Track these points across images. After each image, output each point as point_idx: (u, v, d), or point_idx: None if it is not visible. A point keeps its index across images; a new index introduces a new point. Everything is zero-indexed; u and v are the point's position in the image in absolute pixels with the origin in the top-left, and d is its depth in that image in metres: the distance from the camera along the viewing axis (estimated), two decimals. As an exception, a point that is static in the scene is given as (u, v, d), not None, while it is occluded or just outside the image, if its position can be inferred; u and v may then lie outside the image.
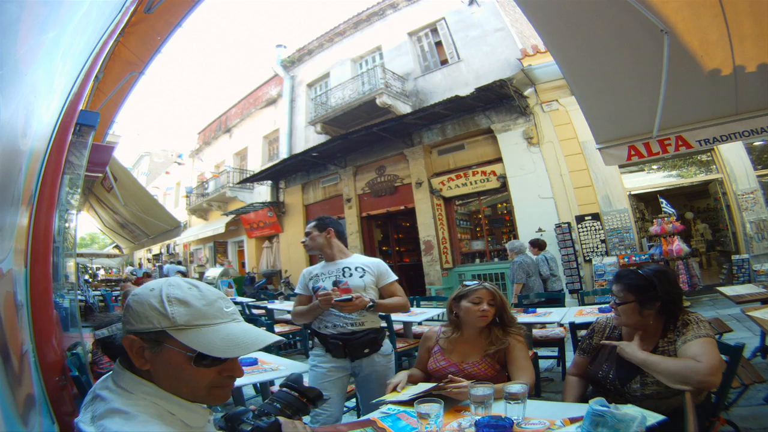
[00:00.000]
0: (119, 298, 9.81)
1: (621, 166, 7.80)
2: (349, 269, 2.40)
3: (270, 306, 6.67)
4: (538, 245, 6.17)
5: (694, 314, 1.75)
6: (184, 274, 12.99)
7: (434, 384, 1.76)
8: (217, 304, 0.92)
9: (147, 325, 0.85)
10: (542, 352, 4.15)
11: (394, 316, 4.31)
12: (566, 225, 8.16)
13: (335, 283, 2.31)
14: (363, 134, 10.11)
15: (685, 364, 1.55)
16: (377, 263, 2.50)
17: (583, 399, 1.93)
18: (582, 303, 4.55)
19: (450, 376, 1.77)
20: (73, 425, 0.83)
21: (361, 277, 2.37)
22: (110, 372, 0.92)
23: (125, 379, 0.86)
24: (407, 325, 4.52)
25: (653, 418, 1.32)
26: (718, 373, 1.52)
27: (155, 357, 0.86)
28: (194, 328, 0.86)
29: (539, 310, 3.94)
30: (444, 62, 10.97)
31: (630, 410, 1.26)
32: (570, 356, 3.70)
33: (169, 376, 0.87)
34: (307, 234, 2.53)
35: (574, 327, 2.77)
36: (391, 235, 12.65)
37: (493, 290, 2.03)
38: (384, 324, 2.80)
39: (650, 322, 1.76)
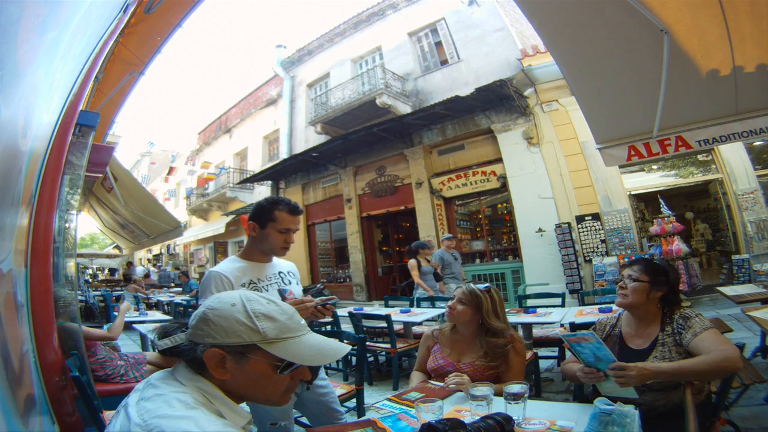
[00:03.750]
0: (121, 298, 9.80)
1: (621, 166, 7.79)
2: (284, 274, 2.02)
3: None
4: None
5: (689, 308, 1.80)
6: (186, 275, 12.96)
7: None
8: (295, 318, 0.97)
9: (236, 339, 0.89)
10: (542, 352, 4.15)
11: (394, 316, 4.31)
12: (566, 225, 8.16)
13: (280, 293, 1.92)
14: (363, 134, 10.11)
15: (722, 356, 1.53)
16: (295, 267, 2.17)
17: (582, 399, 1.97)
18: (582, 303, 4.54)
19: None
20: (123, 406, 0.87)
21: (297, 284, 2.05)
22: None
23: (182, 374, 0.90)
24: (407, 325, 4.52)
25: None
26: (738, 354, 1.56)
27: (238, 368, 0.89)
28: (283, 340, 0.92)
29: (539, 310, 3.93)
30: (444, 62, 10.97)
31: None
32: (570, 356, 3.70)
33: (250, 383, 0.91)
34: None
35: (574, 327, 2.77)
36: (392, 235, 12.65)
37: (469, 292, 2.04)
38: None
39: (651, 308, 1.83)
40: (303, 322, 0.99)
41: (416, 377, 2.20)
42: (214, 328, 0.88)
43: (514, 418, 1.38)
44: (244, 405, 1.00)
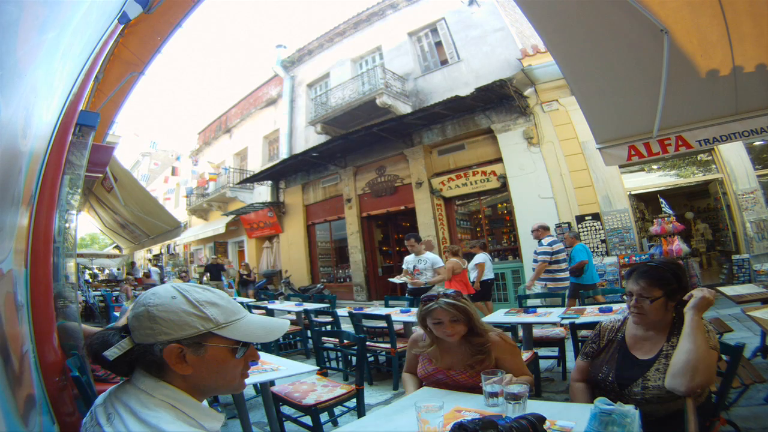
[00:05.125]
0: (119, 298, 9.82)
1: (621, 166, 7.79)
2: None
3: (270, 306, 6.68)
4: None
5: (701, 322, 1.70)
6: (186, 273, 13.00)
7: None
8: (232, 301, 0.98)
9: (190, 330, 0.87)
10: (542, 352, 4.15)
11: (394, 316, 4.31)
12: (566, 225, 8.16)
13: None
14: (363, 134, 10.10)
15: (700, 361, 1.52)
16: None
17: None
18: (582, 303, 4.54)
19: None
20: (91, 414, 0.85)
21: None
22: (123, 380, 0.92)
23: (146, 383, 0.86)
24: (407, 325, 4.52)
25: None
26: (706, 386, 1.53)
27: (198, 359, 0.88)
28: (232, 323, 0.92)
29: (539, 310, 3.93)
30: (444, 62, 10.97)
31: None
32: (570, 356, 3.70)
33: (213, 372, 0.91)
34: None
35: (574, 327, 2.77)
36: (392, 235, 12.63)
37: (450, 307, 1.89)
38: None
39: (667, 317, 1.74)
40: (238, 304, 1.00)
41: (410, 381, 2.12)
42: (163, 324, 0.86)
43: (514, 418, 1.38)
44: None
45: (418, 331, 2.14)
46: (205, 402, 0.95)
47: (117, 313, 7.09)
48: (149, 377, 0.87)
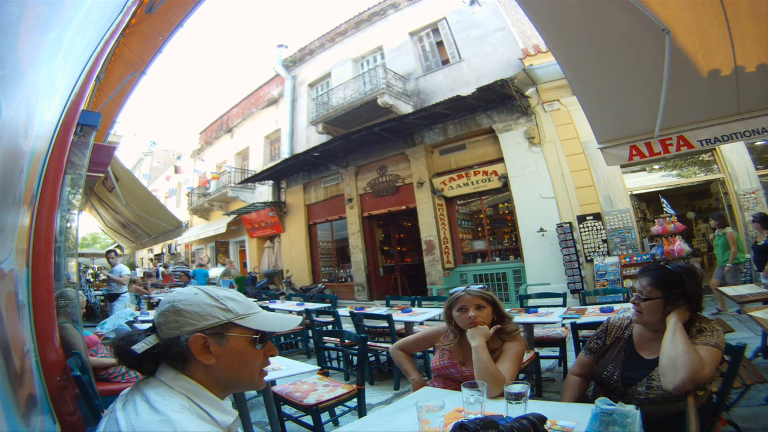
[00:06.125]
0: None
1: (622, 166, 7.78)
2: None
3: (272, 306, 6.68)
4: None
5: (711, 323, 1.69)
6: (187, 274, 12.97)
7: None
8: (247, 299, 1.07)
9: (213, 320, 0.95)
10: (543, 352, 4.14)
11: (395, 316, 4.32)
12: (568, 225, 8.15)
13: None
14: (364, 134, 10.10)
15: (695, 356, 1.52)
16: None
17: (581, 400, 1.91)
18: (583, 303, 4.53)
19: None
20: (110, 411, 0.90)
21: None
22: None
23: (167, 375, 0.92)
24: (408, 325, 4.52)
25: None
26: (694, 383, 1.51)
27: (222, 349, 0.95)
28: (250, 315, 1.00)
29: (540, 310, 3.93)
30: (445, 62, 10.96)
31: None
32: (571, 356, 3.69)
33: (235, 363, 0.97)
34: None
35: (575, 327, 2.77)
36: (393, 235, 12.64)
37: (476, 294, 1.97)
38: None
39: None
40: (253, 302, 1.06)
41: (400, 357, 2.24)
42: (188, 316, 0.93)
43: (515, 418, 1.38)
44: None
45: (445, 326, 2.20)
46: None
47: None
48: (171, 369, 0.92)
